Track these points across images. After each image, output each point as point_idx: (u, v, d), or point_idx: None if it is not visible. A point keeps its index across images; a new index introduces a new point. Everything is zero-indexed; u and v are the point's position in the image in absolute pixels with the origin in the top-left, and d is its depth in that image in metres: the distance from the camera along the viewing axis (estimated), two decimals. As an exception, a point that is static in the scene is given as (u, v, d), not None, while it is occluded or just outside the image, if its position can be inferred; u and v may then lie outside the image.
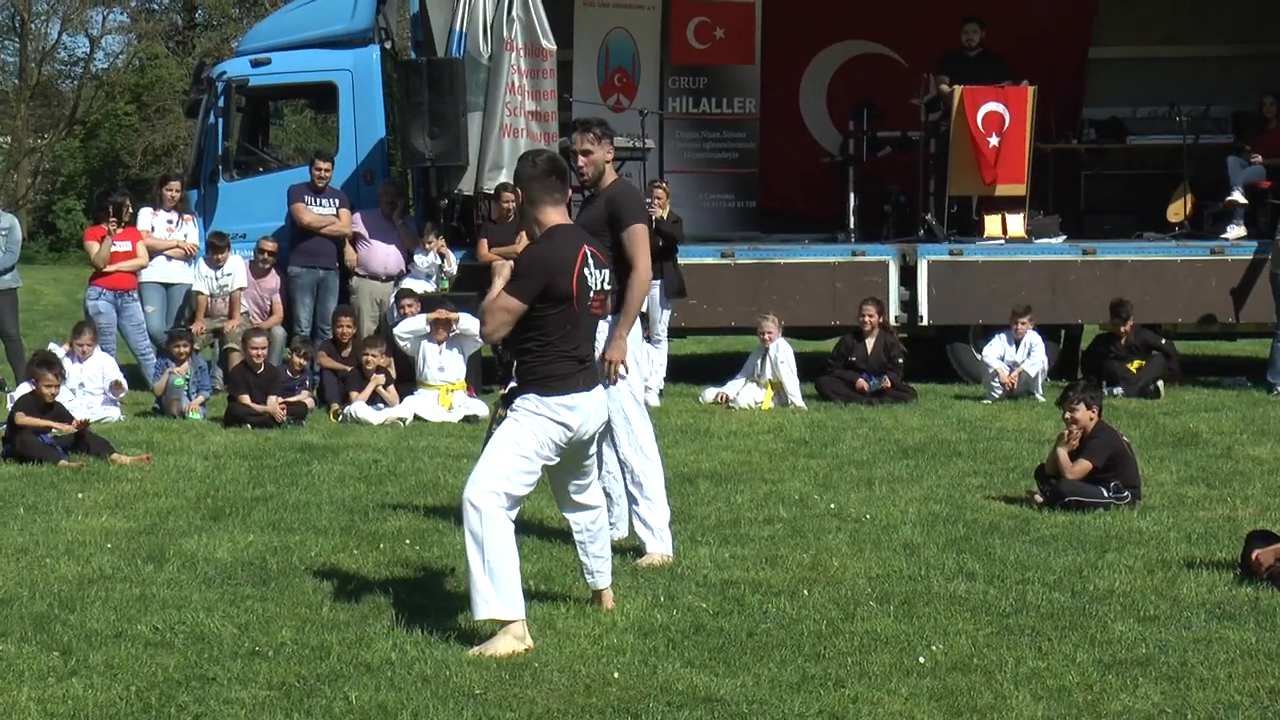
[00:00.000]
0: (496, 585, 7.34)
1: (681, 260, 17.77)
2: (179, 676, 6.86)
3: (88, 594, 8.36)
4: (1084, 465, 10.87)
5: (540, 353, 7.58)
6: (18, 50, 62.98)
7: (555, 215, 7.77)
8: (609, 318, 8.53)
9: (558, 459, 7.69)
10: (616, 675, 6.84)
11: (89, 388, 15.45)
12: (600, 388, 7.90)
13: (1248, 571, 8.56)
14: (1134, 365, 17.20)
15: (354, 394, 15.75)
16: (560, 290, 7.50)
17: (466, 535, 7.47)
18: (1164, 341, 17.69)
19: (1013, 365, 16.94)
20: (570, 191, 8.72)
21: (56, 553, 9.42)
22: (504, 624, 7.31)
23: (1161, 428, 14.60)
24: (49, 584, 8.60)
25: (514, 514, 7.56)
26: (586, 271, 7.61)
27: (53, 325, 25.36)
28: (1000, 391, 16.77)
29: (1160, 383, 17.09)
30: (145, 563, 9.14)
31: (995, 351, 17.02)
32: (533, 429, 7.54)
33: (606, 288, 7.83)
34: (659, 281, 17.07)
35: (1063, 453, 10.97)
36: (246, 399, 15.24)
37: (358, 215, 18.15)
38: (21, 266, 19.00)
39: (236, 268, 17.92)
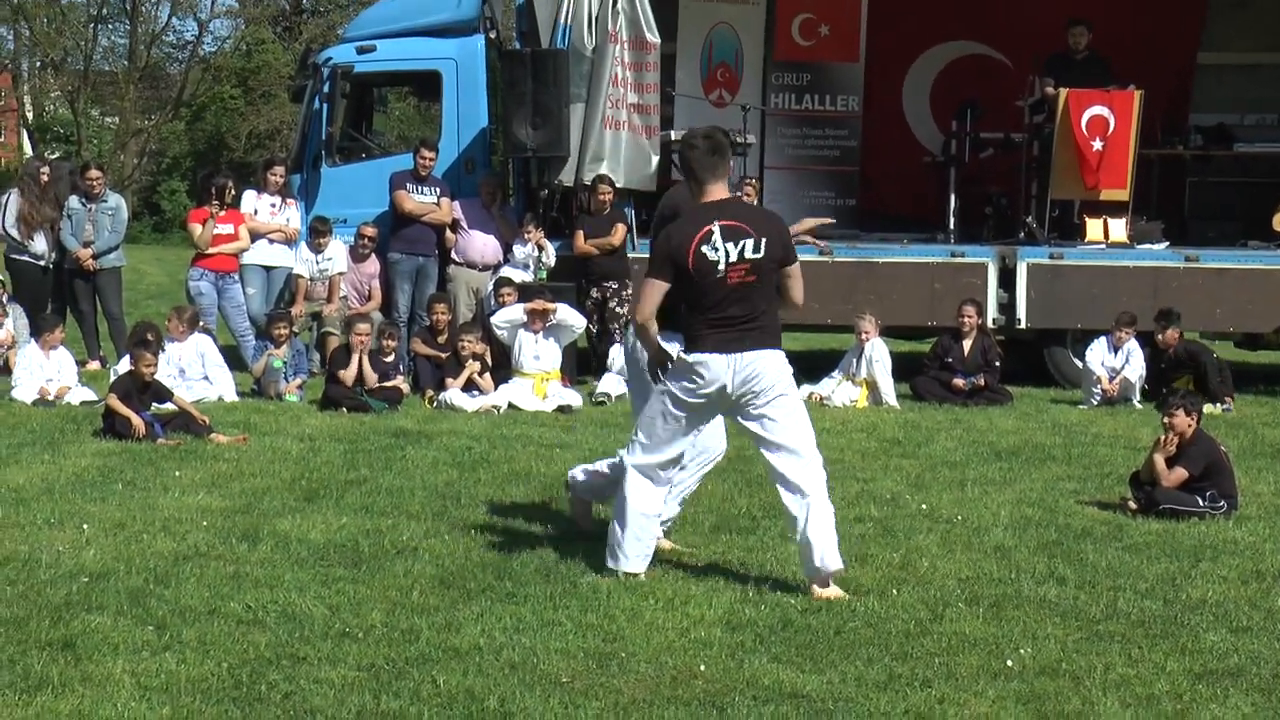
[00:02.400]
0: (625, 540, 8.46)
1: (780, 257, 17.75)
2: (270, 655, 6.92)
3: (182, 570, 8.45)
4: (1180, 473, 10.78)
5: (685, 317, 8.46)
6: (127, 32, 63.81)
7: (716, 191, 8.41)
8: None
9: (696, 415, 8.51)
10: (703, 668, 6.85)
11: (189, 374, 15.58)
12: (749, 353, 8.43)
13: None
14: (1183, 380, 16.20)
15: (449, 380, 15.83)
16: (680, 265, 8.25)
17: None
18: (1213, 355, 17.01)
19: (1113, 372, 16.80)
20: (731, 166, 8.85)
21: (153, 529, 9.53)
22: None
23: (1260, 438, 14.45)
24: (145, 559, 8.69)
25: (664, 475, 8.66)
26: (705, 249, 8.19)
27: (155, 305, 25.62)
28: (1099, 397, 16.65)
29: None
30: (240, 541, 9.23)
31: (1096, 357, 16.89)
32: (665, 389, 8.43)
33: (748, 257, 8.31)
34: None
35: (1159, 459, 10.88)
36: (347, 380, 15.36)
37: (457, 204, 18.23)
38: (126, 246, 19.22)
39: (337, 252, 18.05)
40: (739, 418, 8.50)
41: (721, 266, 8.21)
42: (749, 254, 8.26)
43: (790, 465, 8.32)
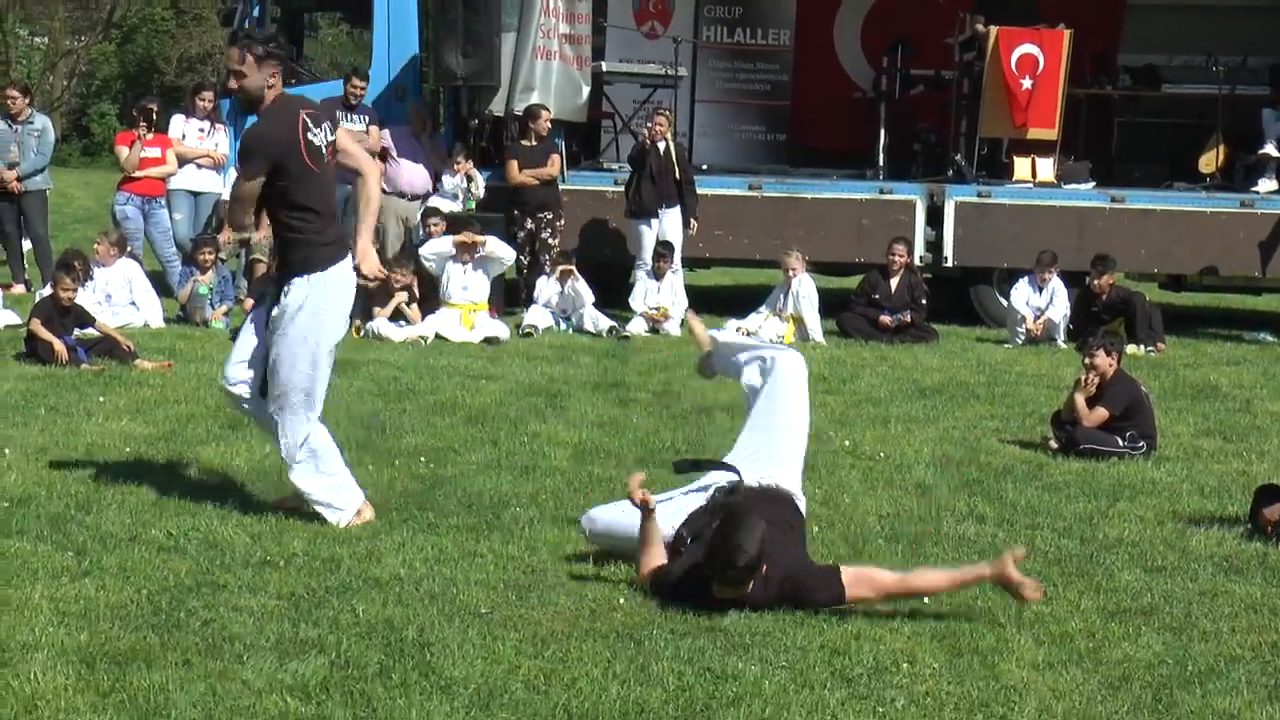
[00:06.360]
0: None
1: (708, 190, 17.82)
2: (190, 582, 6.92)
3: (104, 497, 8.43)
4: (1100, 413, 10.87)
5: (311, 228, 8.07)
6: (58, -50, 62.88)
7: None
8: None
9: None
10: (621, 601, 6.89)
11: (116, 299, 15.50)
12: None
13: (1257, 527, 8.58)
14: (1115, 324, 16.20)
15: (377, 310, 15.78)
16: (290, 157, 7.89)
17: None
18: (1145, 300, 17.09)
19: (1037, 311, 16.91)
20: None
21: (75, 454, 9.49)
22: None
23: (1181, 379, 14.57)
24: (66, 485, 8.66)
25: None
26: (310, 136, 7.95)
27: (82, 229, 25.42)
28: (1024, 337, 16.76)
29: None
30: (163, 468, 9.21)
31: (1021, 296, 16.99)
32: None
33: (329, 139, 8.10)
34: (678, 208, 17.14)
35: (1080, 399, 10.97)
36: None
37: (386, 132, 18.14)
38: (53, 169, 19.06)
39: (266, 179, 17.92)
40: None
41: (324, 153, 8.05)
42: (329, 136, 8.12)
43: None
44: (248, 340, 8.27)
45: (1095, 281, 16.79)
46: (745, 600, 6.75)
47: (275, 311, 8.05)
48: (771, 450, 7.69)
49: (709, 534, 6.82)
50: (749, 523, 6.70)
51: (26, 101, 18.31)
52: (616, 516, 7.58)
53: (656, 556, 7.05)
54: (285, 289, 7.99)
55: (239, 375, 8.24)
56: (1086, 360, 11.15)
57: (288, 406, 8.11)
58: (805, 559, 7.10)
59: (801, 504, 7.57)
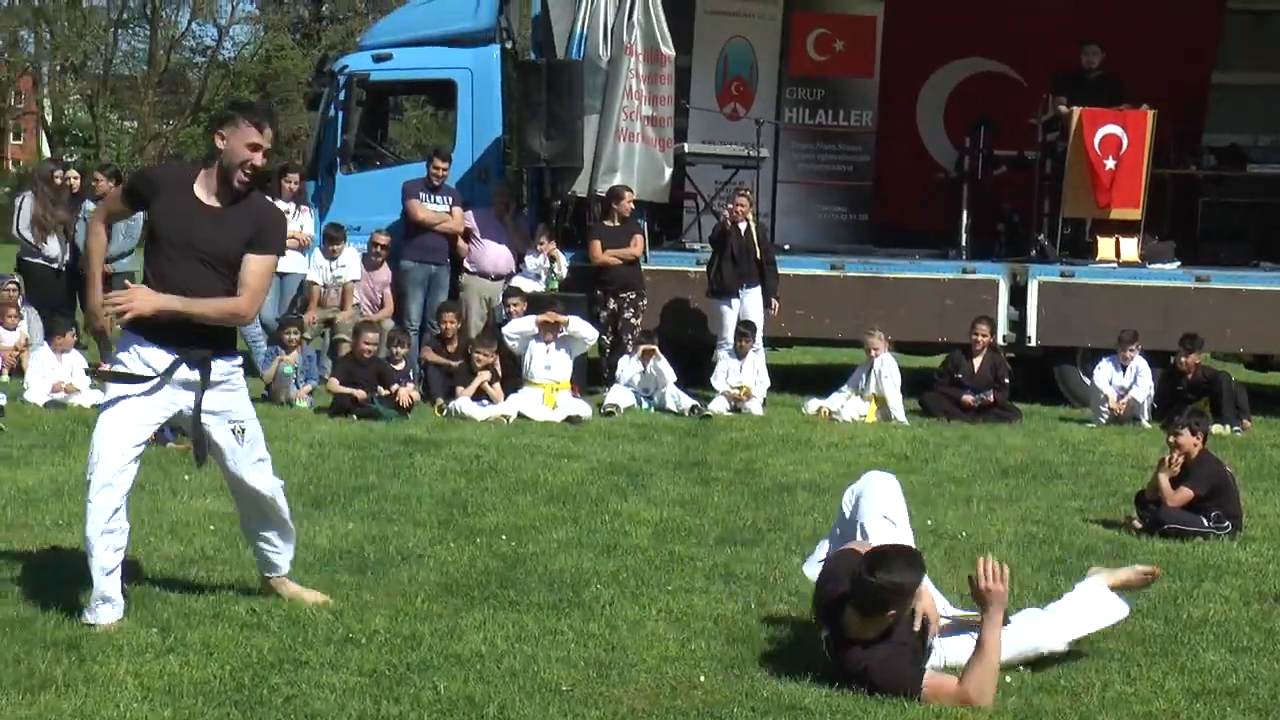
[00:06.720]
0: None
1: (790, 270, 17.85)
2: (273, 658, 6.95)
3: (189, 574, 8.49)
4: (1185, 493, 10.80)
5: None
6: (147, 37, 63.96)
7: None
8: None
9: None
10: (702, 679, 6.88)
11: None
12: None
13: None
14: (1200, 403, 15.92)
15: (459, 389, 15.88)
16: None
17: None
18: (1230, 380, 17.05)
19: (1121, 390, 16.81)
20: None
21: (160, 532, 9.57)
22: None
23: (1267, 459, 14.46)
24: (151, 562, 8.73)
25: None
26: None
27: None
28: (1107, 416, 16.67)
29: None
30: (246, 546, 9.25)
31: (1104, 376, 16.91)
32: None
33: None
34: (759, 288, 17.19)
35: (1164, 479, 10.90)
36: (350, 388, 15.44)
37: (470, 213, 18.29)
38: (140, 252, 19.24)
39: (351, 260, 18.12)
40: None
41: None
42: None
43: None
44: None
45: (1183, 360, 16.70)
46: (855, 654, 6.80)
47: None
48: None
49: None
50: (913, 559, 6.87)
51: (114, 185, 18.52)
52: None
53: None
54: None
55: None
56: (1171, 439, 11.07)
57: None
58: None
59: None
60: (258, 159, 7.54)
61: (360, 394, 15.33)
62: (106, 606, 7.41)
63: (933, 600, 7.20)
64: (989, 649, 6.78)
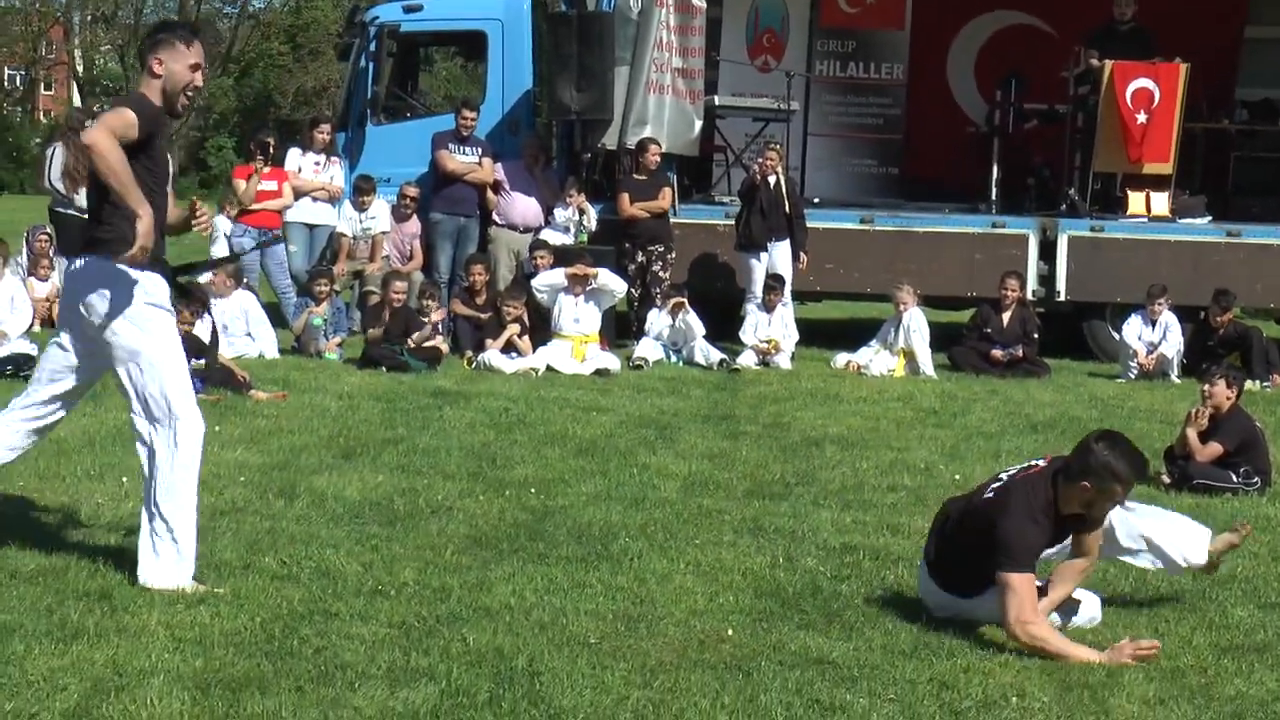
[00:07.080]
0: None
1: (819, 224, 17.82)
2: (303, 610, 6.98)
3: (219, 525, 8.53)
4: (1214, 448, 10.79)
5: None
6: (177, -13, 63.88)
7: None
8: None
9: None
10: (730, 632, 6.90)
11: (232, 330, 15.65)
12: None
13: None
14: (1231, 358, 15.76)
15: (488, 341, 15.89)
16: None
17: None
18: (1262, 335, 17.02)
19: (1150, 346, 16.78)
20: None
21: (190, 483, 9.60)
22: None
23: (1297, 415, 14.42)
24: (182, 513, 8.76)
25: None
26: None
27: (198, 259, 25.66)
28: (1136, 371, 16.64)
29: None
30: (276, 497, 9.32)
31: (1133, 331, 16.87)
32: None
33: None
34: (787, 242, 17.17)
35: (1193, 434, 10.90)
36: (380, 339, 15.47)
37: (500, 165, 18.28)
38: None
39: (380, 211, 18.14)
40: None
41: None
42: None
43: None
44: None
45: (1217, 318, 16.65)
46: (994, 504, 7.08)
47: None
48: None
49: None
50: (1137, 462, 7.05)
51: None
52: None
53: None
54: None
55: None
56: (1206, 387, 11.06)
57: None
58: None
59: None
60: (199, 79, 7.41)
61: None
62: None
63: (1099, 542, 7.28)
64: (1065, 645, 6.79)
